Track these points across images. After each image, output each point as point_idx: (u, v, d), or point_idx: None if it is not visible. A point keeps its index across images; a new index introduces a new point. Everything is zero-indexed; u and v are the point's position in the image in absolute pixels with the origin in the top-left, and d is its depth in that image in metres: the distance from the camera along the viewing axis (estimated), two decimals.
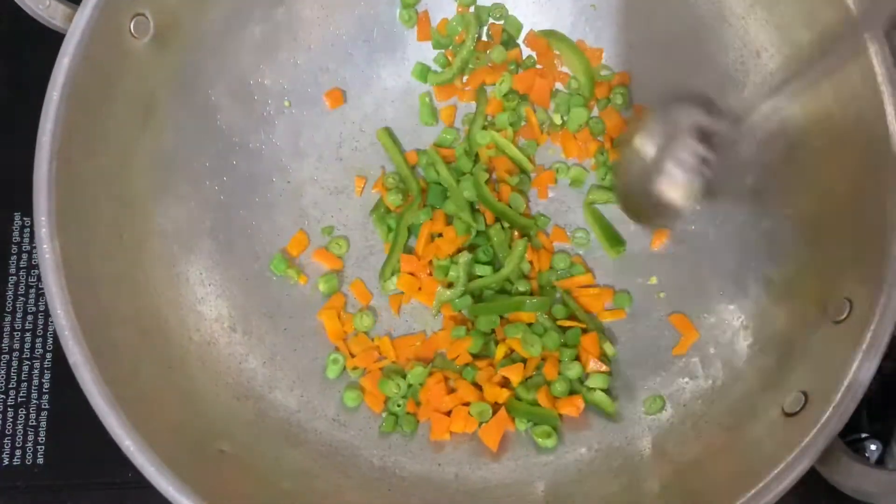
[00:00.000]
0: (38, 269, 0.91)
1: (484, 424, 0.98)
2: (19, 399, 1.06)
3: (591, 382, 0.99)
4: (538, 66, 1.10)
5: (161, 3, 0.92)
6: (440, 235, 1.05)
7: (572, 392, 0.99)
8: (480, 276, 1.03)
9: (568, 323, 1.01)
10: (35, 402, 1.06)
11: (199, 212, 1.01)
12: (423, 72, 1.10)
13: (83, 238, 0.87)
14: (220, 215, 1.02)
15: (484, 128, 1.08)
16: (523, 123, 1.09)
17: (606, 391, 0.99)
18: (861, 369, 0.78)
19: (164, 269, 0.96)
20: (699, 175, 0.86)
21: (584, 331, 1.01)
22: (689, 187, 0.87)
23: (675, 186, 0.87)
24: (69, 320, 0.82)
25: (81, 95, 0.86)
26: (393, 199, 1.05)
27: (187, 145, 1.00)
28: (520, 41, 1.10)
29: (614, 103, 1.07)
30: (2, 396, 1.06)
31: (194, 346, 0.96)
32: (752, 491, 0.78)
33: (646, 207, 0.93)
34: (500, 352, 1.01)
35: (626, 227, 1.05)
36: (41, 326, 1.09)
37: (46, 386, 1.06)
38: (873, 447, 0.95)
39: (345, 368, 1.02)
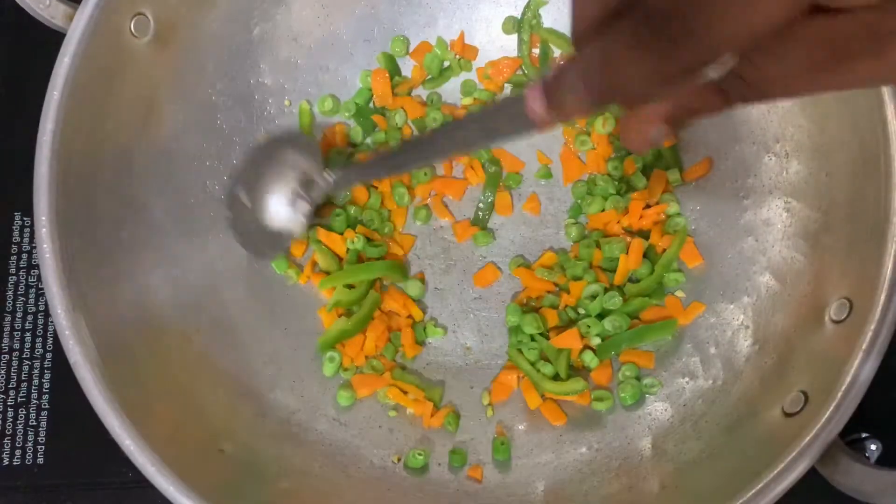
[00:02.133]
0: (38, 269, 0.91)
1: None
2: (19, 399, 1.06)
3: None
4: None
5: (161, 2, 0.92)
6: None
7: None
8: None
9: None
10: (35, 402, 1.06)
11: (199, 212, 1.01)
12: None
13: (83, 238, 0.87)
14: (221, 215, 1.02)
15: None
16: None
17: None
18: (861, 369, 0.78)
19: (164, 269, 0.96)
20: (302, 212, 0.98)
21: None
22: (296, 222, 0.98)
23: (284, 223, 0.98)
24: (69, 320, 0.82)
25: (82, 95, 0.86)
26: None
27: (188, 145, 1.00)
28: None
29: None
30: (2, 396, 1.06)
31: (194, 346, 0.96)
32: (752, 491, 0.78)
33: (262, 244, 1.02)
34: None
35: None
36: (41, 326, 1.08)
37: (46, 386, 1.06)
38: (873, 447, 0.95)
39: (341, 366, 1.02)
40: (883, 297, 0.79)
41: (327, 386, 1.01)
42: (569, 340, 0.99)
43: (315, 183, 0.97)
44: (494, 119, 0.71)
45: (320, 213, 1.06)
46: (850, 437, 0.84)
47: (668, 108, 0.62)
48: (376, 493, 0.94)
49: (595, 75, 0.53)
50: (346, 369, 1.01)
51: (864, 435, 0.95)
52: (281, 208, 0.98)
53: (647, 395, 0.98)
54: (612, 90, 0.53)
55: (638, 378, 0.99)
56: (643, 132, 0.64)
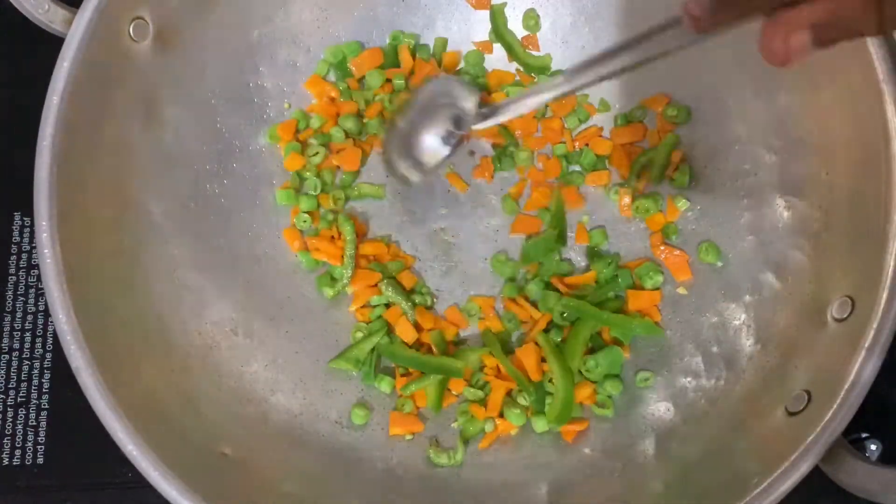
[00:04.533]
0: (38, 269, 0.91)
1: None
2: (19, 399, 1.06)
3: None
4: None
5: (160, 6, 0.92)
6: None
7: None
8: None
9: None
10: (35, 402, 1.06)
11: (200, 215, 1.01)
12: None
13: (84, 242, 0.87)
14: (221, 218, 1.02)
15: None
16: None
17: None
18: (864, 367, 0.78)
19: (165, 273, 0.96)
20: (448, 146, 0.99)
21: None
22: (438, 152, 0.99)
23: (428, 151, 0.99)
24: (71, 325, 0.82)
25: (81, 99, 0.86)
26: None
27: (188, 148, 1.00)
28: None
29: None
30: (2, 396, 1.06)
31: (196, 349, 0.96)
32: (757, 490, 0.78)
33: (401, 162, 1.02)
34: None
35: (627, 226, 1.06)
36: (41, 326, 1.08)
37: (46, 386, 1.06)
38: (873, 447, 0.95)
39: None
40: (885, 295, 0.79)
41: (330, 389, 1.01)
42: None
43: (464, 119, 0.98)
44: (649, 38, 0.76)
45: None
46: (849, 437, 0.84)
47: (817, 15, 0.61)
48: (379, 496, 0.94)
49: None
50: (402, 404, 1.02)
51: (863, 435, 0.95)
52: (430, 137, 0.99)
53: (649, 396, 0.99)
54: None
55: (618, 375, 1.00)
56: (787, 41, 0.63)
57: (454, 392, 1.01)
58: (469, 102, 0.98)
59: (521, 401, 0.99)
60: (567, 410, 0.97)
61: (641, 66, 0.78)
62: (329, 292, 1.04)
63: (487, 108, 0.96)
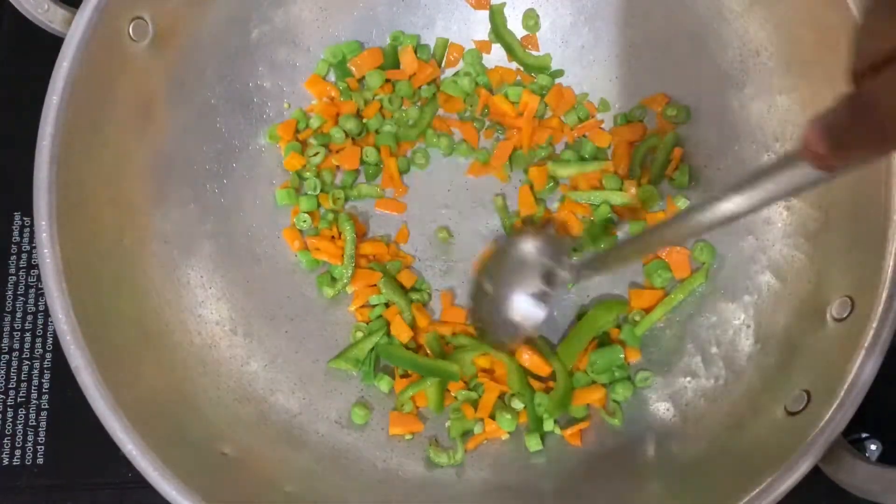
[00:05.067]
0: (38, 269, 0.91)
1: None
2: (19, 399, 1.06)
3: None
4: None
5: (160, 6, 0.92)
6: None
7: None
8: None
9: None
10: (35, 402, 1.06)
11: (199, 214, 1.01)
12: None
13: (84, 242, 0.87)
14: (221, 218, 1.02)
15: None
16: None
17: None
18: (863, 367, 0.78)
19: (164, 272, 0.96)
20: (543, 306, 0.99)
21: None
22: (535, 317, 0.99)
23: (523, 316, 0.99)
24: (70, 324, 0.82)
25: (81, 99, 0.86)
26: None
27: (187, 148, 1.00)
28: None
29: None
30: (2, 396, 1.06)
31: (195, 349, 0.96)
32: (756, 490, 0.78)
33: (500, 334, 1.01)
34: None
35: (624, 226, 1.06)
36: (41, 326, 1.08)
37: (46, 386, 1.06)
38: (873, 447, 0.95)
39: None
40: (884, 295, 0.79)
41: (329, 389, 1.01)
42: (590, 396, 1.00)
43: (557, 275, 0.98)
44: (758, 182, 0.67)
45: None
46: (849, 437, 0.84)
47: None
48: (379, 496, 0.94)
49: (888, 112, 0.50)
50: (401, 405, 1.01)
51: (863, 435, 0.95)
52: (522, 301, 0.99)
53: (649, 396, 0.99)
54: None
55: (629, 378, 1.00)
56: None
57: (453, 393, 1.01)
58: (555, 258, 0.98)
59: (515, 405, 0.99)
60: (567, 397, 0.98)
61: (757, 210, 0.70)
62: (329, 292, 1.04)
63: (580, 260, 0.99)
